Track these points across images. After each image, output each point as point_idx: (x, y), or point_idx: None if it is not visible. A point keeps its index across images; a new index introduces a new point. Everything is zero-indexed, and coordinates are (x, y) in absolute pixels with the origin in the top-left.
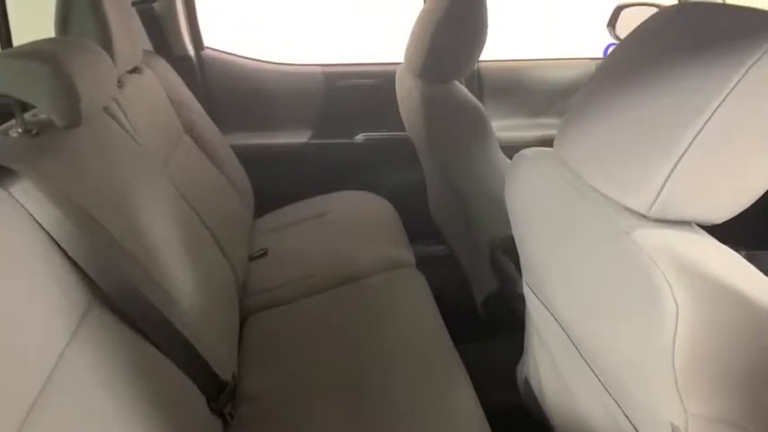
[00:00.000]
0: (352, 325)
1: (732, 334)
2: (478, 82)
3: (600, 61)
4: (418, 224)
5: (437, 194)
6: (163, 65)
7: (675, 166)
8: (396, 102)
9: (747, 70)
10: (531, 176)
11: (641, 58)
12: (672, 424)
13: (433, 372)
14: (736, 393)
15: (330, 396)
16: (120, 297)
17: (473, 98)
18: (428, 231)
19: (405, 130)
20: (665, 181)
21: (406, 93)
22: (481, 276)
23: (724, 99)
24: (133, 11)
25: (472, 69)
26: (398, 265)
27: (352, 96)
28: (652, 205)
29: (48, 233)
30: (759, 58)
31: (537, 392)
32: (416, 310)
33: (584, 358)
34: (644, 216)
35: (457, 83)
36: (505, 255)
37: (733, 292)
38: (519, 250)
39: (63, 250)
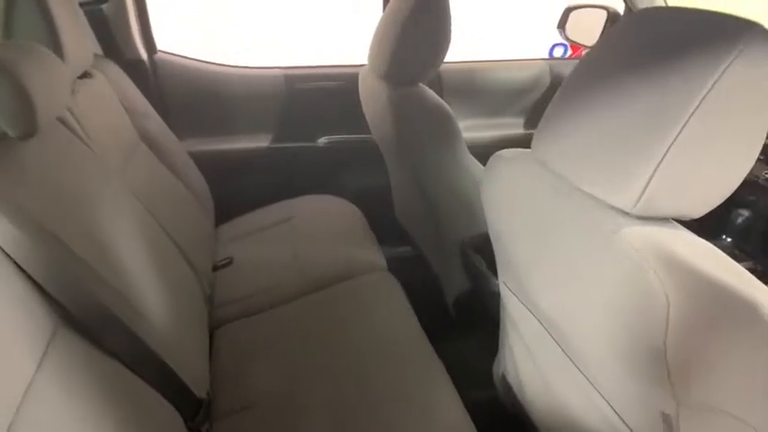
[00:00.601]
0: (327, 333)
1: (719, 324)
2: (439, 84)
3: (552, 62)
4: (383, 226)
5: (403, 196)
6: (115, 70)
7: (659, 164)
8: (358, 104)
9: (724, 71)
10: (509, 177)
11: (617, 61)
12: (663, 413)
13: (414, 374)
14: (725, 381)
15: (311, 407)
16: (87, 317)
17: (440, 100)
18: (393, 233)
19: (367, 133)
20: (649, 179)
21: (372, 95)
22: (452, 276)
23: (703, 99)
24: (81, 12)
25: (437, 71)
26: (370, 269)
27: (313, 99)
28: (636, 203)
29: (5, 253)
30: (734, 60)
31: (515, 388)
32: (392, 313)
33: (566, 353)
34: (628, 214)
35: (422, 85)
36: (477, 253)
37: (718, 285)
38: (496, 249)
39: (23, 271)
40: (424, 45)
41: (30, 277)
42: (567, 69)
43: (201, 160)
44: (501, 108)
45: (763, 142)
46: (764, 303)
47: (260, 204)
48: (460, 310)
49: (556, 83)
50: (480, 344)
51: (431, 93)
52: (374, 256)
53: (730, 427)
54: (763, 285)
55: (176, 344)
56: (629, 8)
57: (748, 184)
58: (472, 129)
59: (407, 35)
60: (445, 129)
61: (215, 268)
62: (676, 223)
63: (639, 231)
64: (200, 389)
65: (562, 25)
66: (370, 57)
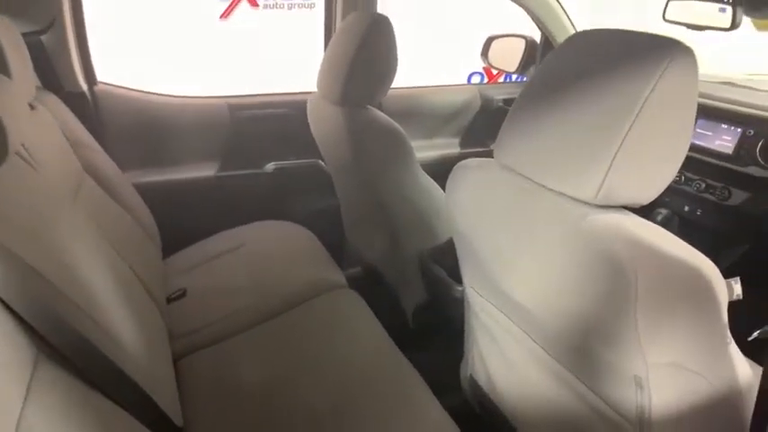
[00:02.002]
0: (297, 354)
1: (678, 291)
2: (380, 109)
3: (481, 86)
4: (333, 248)
5: (357, 214)
6: (55, 101)
7: (613, 160)
8: (303, 130)
9: (658, 79)
10: (475, 183)
11: (567, 75)
12: (635, 376)
13: (392, 384)
14: (683, 340)
15: (291, 426)
16: (66, 346)
17: (391, 120)
18: (344, 254)
19: (313, 157)
20: (606, 173)
21: (324, 119)
22: (410, 288)
23: (643, 104)
24: (24, 44)
25: (386, 93)
26: (330, 287)
27: (258, 127)
28: (597, 194)
29: None
30: (664, 71)
31: (485, 387)
32: (359, 328)
33: (539, 344)
34: (591, 204)
35: (371, 107)
36: (436, 264)
37: (673, 257)
38: (462, 255)
39: (1, 300)
40: (374, 70)
41: (8, 306)
42: (494, 92)
43: (146, 192)
44: (437, 130)
45: (690, 134)
46: (707, 270)
47: (208, 234)
48: (420, 321)
49: (485, 105)
50: (442, 351)
51: (382, 114)
52: (333, 274)
53: (689, 380)
54: (704, 256)
55: (151, 372)
56: (545, 36)
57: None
58: (414, 150)
59: (359, 62)
60: (399, 146)
61: (168, 301)
62: (629, 212)
63: (603, 218)
64: (176, 417)
65: (485, 53)
66: (320, 84)
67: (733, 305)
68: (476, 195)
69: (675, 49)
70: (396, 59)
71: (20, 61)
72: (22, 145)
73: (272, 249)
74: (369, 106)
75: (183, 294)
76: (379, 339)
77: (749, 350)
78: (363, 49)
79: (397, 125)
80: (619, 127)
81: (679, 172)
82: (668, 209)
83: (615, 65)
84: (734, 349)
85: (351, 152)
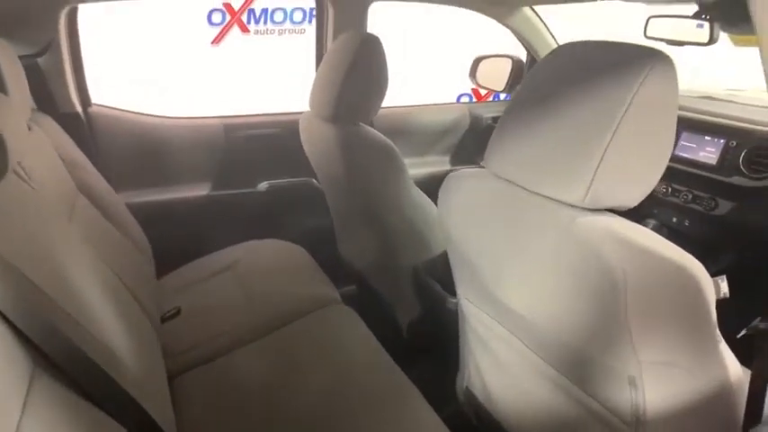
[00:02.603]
0: (290, 370)
1: (667, 290)
2: (372, 127)
3: (471, 105)
4: (327, 266)
5: (351, 230)
6: (50, 123)
7: (599, 164)
8: (295, 149)
9: (639, 87)
10: (468, 192)
11: (552, 86)
12: (629, 376)
13: (390, 396)
14: (675, 338)
15: None
16: (63, 358)
17: (383, 136)
18: (338, 273)
19: (305, 176)
20: (593, 177)
21: (317, 137)
22: (404, 302)
23: (625, 111)
24: (21, 66)
25: (377, 111)
26: (324, 303)
27: (251, 146)
28: (585, 197)
29: None
30: (645, 79)
31: (481, 398)
32: (355, 343)
33: (535, 352)
34: (579, 207)
35: (363, 124)
36: (430, 276)
37: (660, 256)
38: (456, 266)
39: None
40: (366, 88)
41: (5, 318)
42: (483, 111)
43: (140, 211)
44: (428, 147)
45: (673, 139)
46: (694, 269)
47: (202, 253)
48: (414, 334)
49: (475, 123)
50: (438, 365)
51: (373, 130)
52: (327, 290)
53: (682, 378)
54: (690, 256)
55: (147, 388)
56: (531, 55)
57: (651, 198)
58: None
59: (351, 79)
60: (391, 161)
61: (163, 320)
62: (616, 215)
63: (591, 220)
64: None
65: (473, 73)
66: (313, 102)
67: (721, 307)
68: (468, 204)
69: (655, 58)
70: (386, 77)
71: (17, 82)
72: (19, 163)
73: (266, 267)
74: (360, 123)
75: (177, 313)
76: (375, 352)
77: (739, 354)
78: (355, 67)
79: (388, 140)
80: (604, 131)
81: (666, 183)
82: (656, 220)
83: (598, 73)
84: (724, 348)
85: (343, 168)
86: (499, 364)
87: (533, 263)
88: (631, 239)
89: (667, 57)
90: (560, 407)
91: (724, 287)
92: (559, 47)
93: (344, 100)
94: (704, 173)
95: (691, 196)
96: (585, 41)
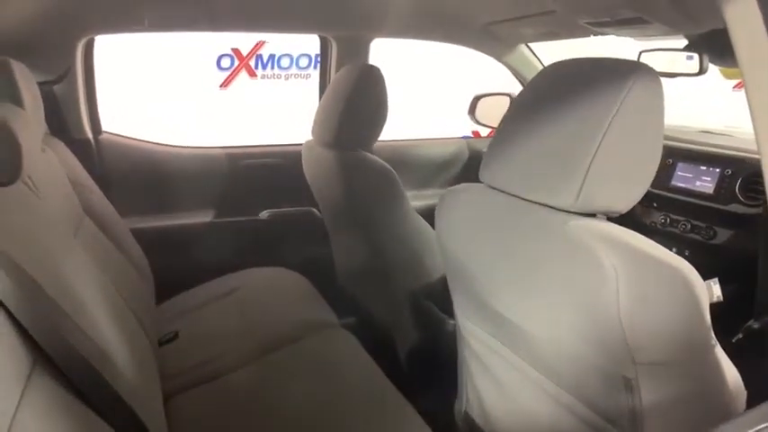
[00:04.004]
0: (288, 393)
1: (659, 289)
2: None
3: (470, 139)
4: (327, 296)
5: (349, 259)
6: (61, 147)
7: (588, 169)
8: (297, 179)
9: (625, 95)
10: (463, 206)
11: (542, 100)
12: (624, 377)
13: (385, 419)
14: (669, 340)
15: None
16: (63, 359)
17: (383, 162)
18: (338, 303)
19: (307, 205)
20: (583, 181)
21: (318, 163)
22: (403, 328)
23: (612, 119)
24: (38, 91)
25: (377, 139)
26: (322, 326)
27: (254, 175)
28: (576, 201)
29: None
30: (630, 90)
31: (479, 420)
32: (352, 366)
33: (533, 366)
34: (571, 212)
35: (364, 152)
36: (428, 300)
37: (650, 256)
38: (452, 281)
39: (3, 306)
40: (366, 115)
41: (9, 313)
42: (481, 145)
43: (144, 237)
44: (427, 180)
45: (661, 148)
46: (686, 270)
47: (203, 280)
48: (414, 362)
49: (473, 157)
50: (438, 391)
51: (372, 156)
52: (325, 314)
53: (677, 381)
54: (681, 258)
55: (144, 401)
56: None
57: (648, 230)
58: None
59: (351, 107)
60: (390, 186)
61: (160, 343)
62: (608, 221)
63: (583, 222)
64: None
65: (472, 111)
66: (315, 130)
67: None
68: (463, 217)
69: (639, 70)
70: (386, 106)
71: (32, 103)
72: (30, 177)
73: (266, 294)
74: (361, 149)
75: (174, 337)
76: (371, 374)
77: (735, 358)
78: (355, 95)
79: (387, 166)
80: (593, 137)
81: (664, 214)
82: None
83: (586, 85)
84: (720, 352)
85: (342, 193)
86: (497, 382)
87: (527, 270)
88: (621, 239)
89: (651, 69)
90: (557, 422)
91: (717, 290)
92: (549, 65)
93: (345, 126)
94: (702, 202)
95: (689, 226)
96: (574, 59)
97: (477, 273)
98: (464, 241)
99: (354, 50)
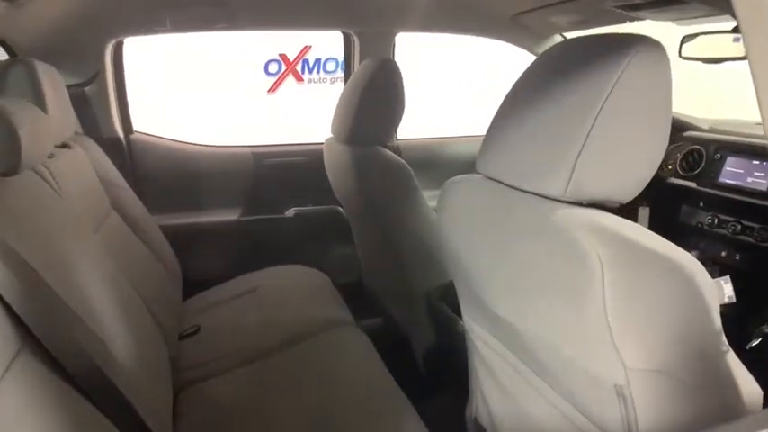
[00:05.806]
0: (296, 389)
1: (653, 286)
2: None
3: None
4: (352, 295)
5: (370, 253)
6: (92, 145)
7: (579, 154)
8: (322, 178)
9: (622, 71)
10: (464, 195)
11: (539, 82)
12: (615, 385)
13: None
14: (668, 344)
15: None
16: (55, 345)
17: (398, 158)
18: (363, 303)
19: (333, 203)
20: (573, 167)
21: (336, 159)
22: (420, 330)
23: (606, 98)
24: (66, 92)
25: (394, 135)
26: (335, 324)
27: (280, 174)
28: (566, 189)
29: None
30: (628, 65)
31: (488, 427)
32: (361, 366)
33: (532, 369)
34: (561, 201)
35: (380, 147)
36: (442, 301)
37: (640, 245)
38: (456, 279)
39: None
40: (381, 110)
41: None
42: None
43: (172, 234)
44: None
45: (668, 130)
46: (687, 264)
47: (230, 276)
48: (430, 365)
49: None
50: (454, 397)
51: (387, 151)
52: (339, 311)
53: (680, 392)
54: (684, 251)
55: (146, 394)
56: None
57: (694, 231)
58: (430, 199)
59: (366, 102)
60: (406, 183)
61: (181, 337)
62: (604, 211)
63: (570, 211)
64: None
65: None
66: (334, 126)
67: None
68: (463, 209)
69: (640, 43)
70: (402, 101)
71: (58, 104)
72: (49, 172)
73: (285, 292)
74: (378, 146)
75: (196, 331)
76: (377, 373)
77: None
78: (369, 90)
79: (402, 161)
80: (584, 119)
81: (712, 214)
82: (704, 254)
83: (584, 64)
84: (733, 360)
85: (358, 189)
86: (501, 387)
87: (517, 264)
88: (607, 227)
89: (656, 41)
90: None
91: (728, 290)
92: (552, 46)
93: (361, 122)
94: (754, 200)
95: (740, 227)
96: (578, 37)
97: (475, 272)
98: (462, 238)
99: (378, 46)
